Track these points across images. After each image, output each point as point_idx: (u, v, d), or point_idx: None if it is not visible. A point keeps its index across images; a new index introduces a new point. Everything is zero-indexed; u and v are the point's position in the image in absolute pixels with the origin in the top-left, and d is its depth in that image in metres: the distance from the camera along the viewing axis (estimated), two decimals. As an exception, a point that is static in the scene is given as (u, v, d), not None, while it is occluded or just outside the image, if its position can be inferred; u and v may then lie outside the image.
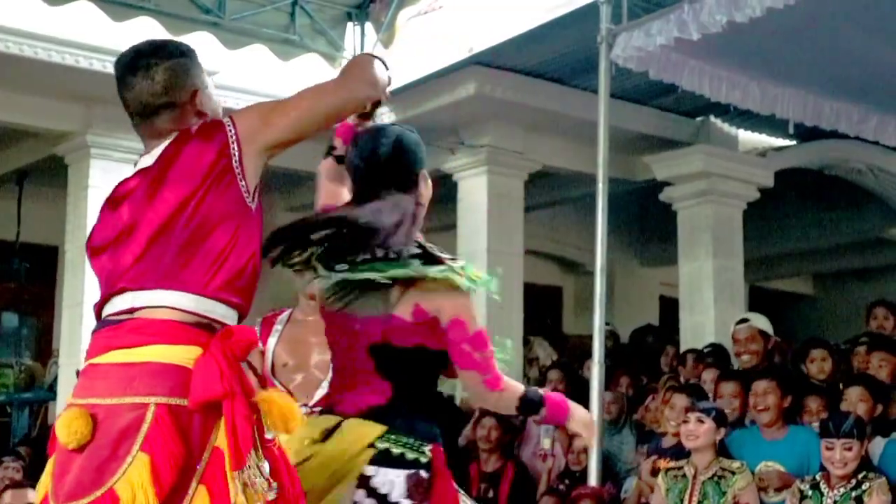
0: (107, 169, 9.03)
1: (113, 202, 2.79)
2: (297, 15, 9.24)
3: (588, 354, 7.45)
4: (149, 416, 2.43)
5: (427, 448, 2.92)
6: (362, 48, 9.53)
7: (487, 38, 8.21)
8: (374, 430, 2.87)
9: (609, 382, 7.73)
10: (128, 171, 9.27)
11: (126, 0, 8.37)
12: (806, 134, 9.78)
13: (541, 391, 3.15)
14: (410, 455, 2.88)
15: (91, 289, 8.90)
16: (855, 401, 6.83)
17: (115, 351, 2.57)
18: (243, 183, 2.65)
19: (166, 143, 2.76)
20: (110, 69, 8.10)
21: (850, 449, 6.05)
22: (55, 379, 9.54)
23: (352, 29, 9.60)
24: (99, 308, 2.73)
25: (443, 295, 2.91)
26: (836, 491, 6.20)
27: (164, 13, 8.54)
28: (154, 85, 2.85)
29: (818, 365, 7.68)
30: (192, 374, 2.49)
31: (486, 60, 8.55)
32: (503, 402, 3.07)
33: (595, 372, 6.88)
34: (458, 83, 8.72)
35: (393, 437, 2.88)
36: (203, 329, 2.60)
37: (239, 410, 2.49)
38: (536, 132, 9.12)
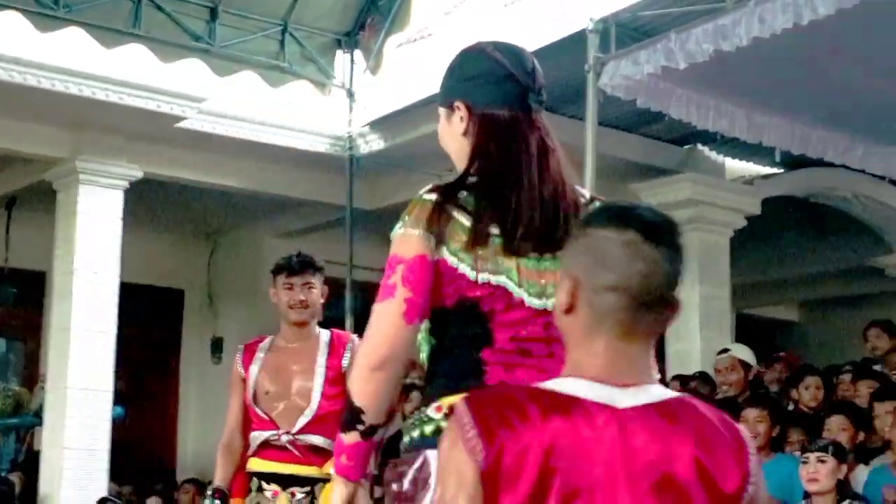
0: (94, 194, 9.05)
1: None
2: (287, 42, 9.25)
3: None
4: None
5: None
6: (352, 75, 9.55)
7: (476, 66, 8.21)
8: None
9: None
10: (115, 196, 9.23)
11: (117, 27, 8.37)
12: (793, 162, 9.81)
13: None
14: None
15: (78, 314, 8.89)
16: (836, 429, 6.83)
17: None
18: None
19: None
20: (100, 96, 8.15)
21: (823, 461, 6.04)
22: (42, 404, 9.49)
23: (341, 56, 9.63)
24: None
25: None
26: (821, 519, 6.18)
27: (154, 40, 8.56)
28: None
29: (812, 392, 7.73)
30: None
31: (475, 88, 8.54)
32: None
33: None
34: (446, 111, 8.71)
35: None
36: None
37: None
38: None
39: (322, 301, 5.04)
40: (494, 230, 2.45)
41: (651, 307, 1.98)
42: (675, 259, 2.00)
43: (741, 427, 2.00)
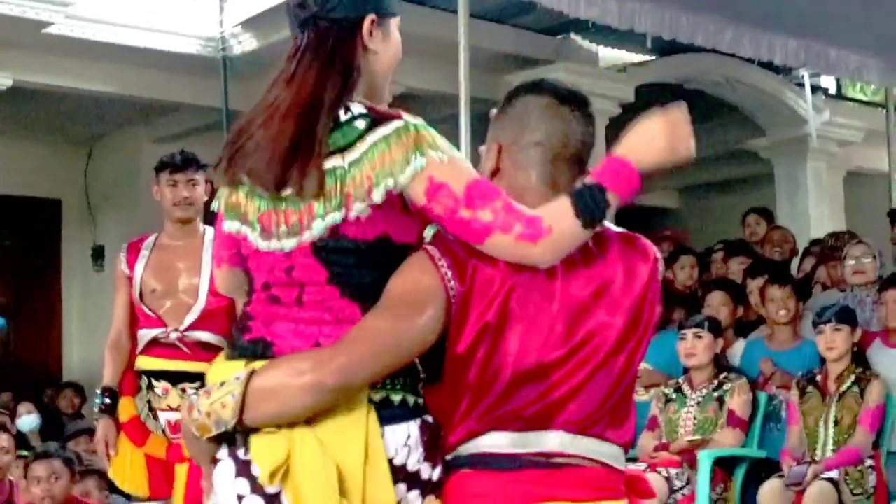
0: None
1: None
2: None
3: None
4: None
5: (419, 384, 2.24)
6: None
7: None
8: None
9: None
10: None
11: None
12: (665, 49, 9.97)
13: (587, 178, 2.25)
14: (413, 399, 2.18)
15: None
16: (717, 305, 7.10)
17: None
18: None
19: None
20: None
21: (700, 337, 6.30)
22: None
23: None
24: None
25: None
26: (698, 392, 6.45)
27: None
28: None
29: (687, 272, 7.99)
30: None
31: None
32: (564, 235, 2.17)
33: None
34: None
35: (386, 379, 2.17)
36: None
37: None
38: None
39: (206, 198, 5.05)
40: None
41: (568, 162, 2.31)
42: (588, 123, 2.35)
43: (647, 242, 2.36)
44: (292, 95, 2.25)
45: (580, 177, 2.29)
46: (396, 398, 2.13)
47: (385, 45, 2.35)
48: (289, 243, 2.17)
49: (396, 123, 2.17)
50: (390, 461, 2.09)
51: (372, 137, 2.16)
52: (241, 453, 2.15)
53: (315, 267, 2.16)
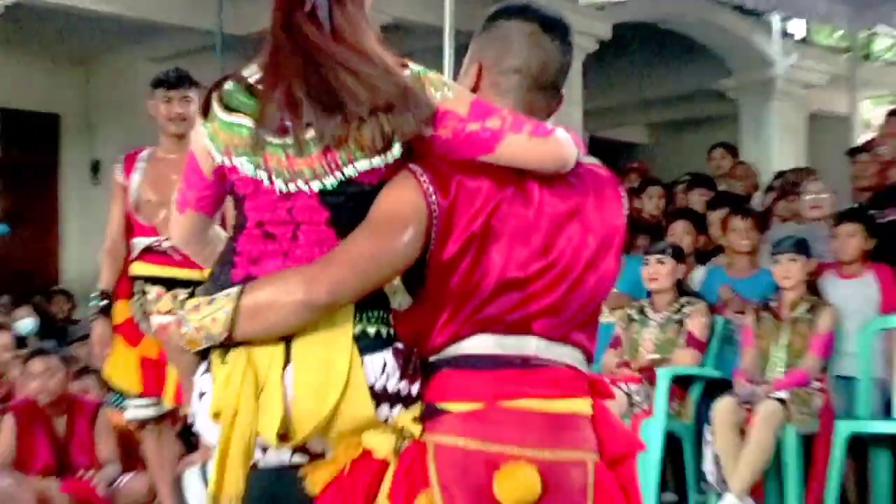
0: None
1: None
2: None
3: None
4: (591, 472, 2.17)
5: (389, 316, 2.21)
6: None
7: None
8: (345, 316, 2.14)
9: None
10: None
11: None
12: (642, -11, 9.98)
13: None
14: (385, 330, 2.16)
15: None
16: (680, 233, 7.15)
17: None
18: None
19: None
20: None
21: (662, 263, 6.36)
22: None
23: None
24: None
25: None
26: (660, 314, 6.51)
27: None
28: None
29: (654, 202, 8.03)
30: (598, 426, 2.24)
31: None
32: (564, 139, 2.20)
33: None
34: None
35: (363, 313, 2.14)
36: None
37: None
38: (388, -14, 9.13)
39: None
40: (246, 122, 2.19)
41: (545, 90, 2.30)
42: (567, 52, 2.32)
43: (613, 176, 2.37)
44: (333, 53, 2.16)
45: (554, 101, 2.32)
46: (372, 330, 2.12)
47: None
48: (315, 185, 2.12)
49: (406, 73, 2.17)
50: (371, 387, 2.08)
51: None
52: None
53: (317, 208, 2.14)
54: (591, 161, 2.36)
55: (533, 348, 2.18)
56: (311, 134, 2.11)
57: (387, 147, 2.10)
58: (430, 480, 2.08)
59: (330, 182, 2.12)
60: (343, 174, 2.12)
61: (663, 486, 6.56)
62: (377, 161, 2.11)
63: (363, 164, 2.11)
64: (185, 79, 5.19)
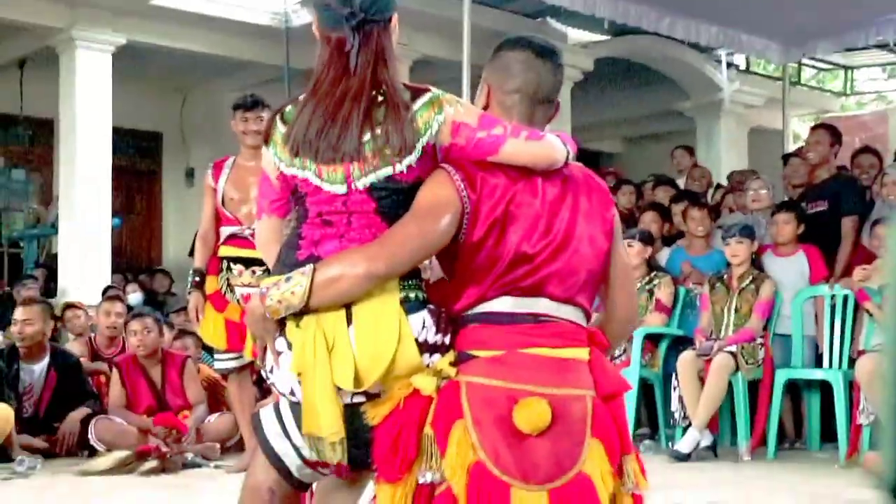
0: (89, 57, 8.83)
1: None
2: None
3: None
4: (589, 405, 2.14)
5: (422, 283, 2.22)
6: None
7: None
8: (392, 285, 2.13)
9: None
10: (106, 59, 9.00)
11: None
12: (618, 30, 9.89)
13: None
14: (421, 295, 2.17)
15: (82, 149, 8.76)
16: (649, 222, 7.10)
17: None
18: None
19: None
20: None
21: (632, 246, 6.31)
22: (56, 218, 9.42)
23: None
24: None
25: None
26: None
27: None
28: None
29: (627, 197, 8.01)
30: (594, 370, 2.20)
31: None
32: (555, 142, 2.21)
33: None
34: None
35: (404, 282, 2.15)
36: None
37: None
38: (418, 29, 9.04)
39: None
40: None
41: (542, 104, 2.29)
42: (558, 72, 2.30)
43: (601, 180, 2.35)
44: (359, 83, 2.16)
45: (551, 111, 2.31)
46: (412, 295, 2.13)
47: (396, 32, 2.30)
48: (361, 183, 2.14)
49: (429, 95, 2.18)
50: (415, 340, 2.10)
51: (414, 107, 2.15)
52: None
53: (366, 201, 2.15)
54: (587, 170, 2.34)
55: (543, 308, 2.16)
56: (316, 144, 2.16)
57: (406, 156, 2.14)
58: (463, 412, 2.07)
59: (372, 180, 2.14)
60: (379, 176, 2.14)
61: (639, 423, 6.53)
62: (398, 167, 2.14)
63: (386, 171, 2.14)
64: (257, 102, 5.20)
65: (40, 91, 9.94)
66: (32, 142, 11.11)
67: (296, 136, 2.18)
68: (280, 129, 2.22)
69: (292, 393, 2.19)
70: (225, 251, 5.09)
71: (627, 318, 2.40)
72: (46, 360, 6.18)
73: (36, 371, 6.15)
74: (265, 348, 2.21)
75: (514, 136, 2.15)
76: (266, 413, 2.30)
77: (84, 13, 8.68)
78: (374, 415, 2.11)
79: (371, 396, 2.14)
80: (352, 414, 2.13)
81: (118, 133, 9.34)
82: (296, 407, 2.18)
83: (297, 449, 2.21)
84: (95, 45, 8.84)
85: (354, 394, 2.13)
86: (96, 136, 8.85)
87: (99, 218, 8.86)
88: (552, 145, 2.19)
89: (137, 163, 11.79)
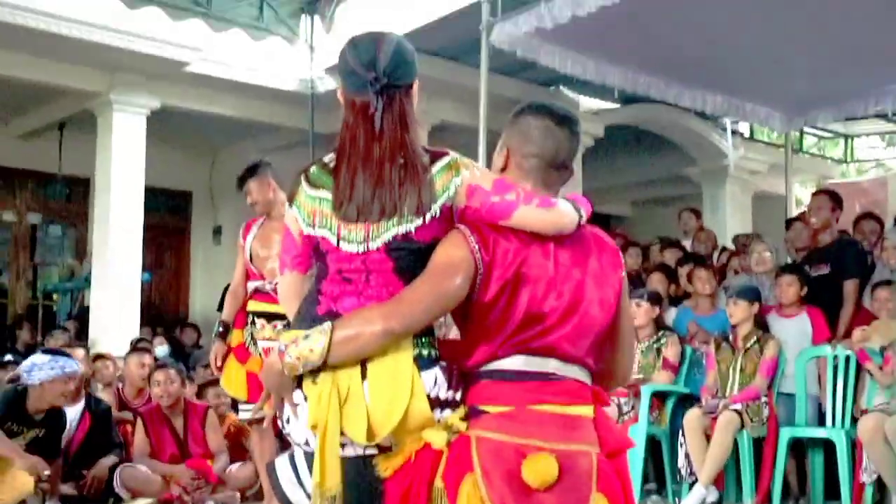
0: (124, 119, 8.96)
1: None
2: (265, 8, 9.14)
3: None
4: (594, 461, 2.12)
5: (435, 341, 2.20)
6: (312, 33, 9.47)
7: (400, 26, 8.19)
8: (406, 342, 2.11)
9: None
10: (140, 121, 9.05)
11: (138, -6, 8.22)
12: (627, 99, 9.94)
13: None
14: (433, 352, 2.16)
15: (115, 207, 8.83)
16: (656, 282, 7.07)
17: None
18: None
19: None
20: (127, 45, 7.90)
21: (640, 305, 6.27)
22: (89, 272, 9.47)
23: (305, 19, 9.51)
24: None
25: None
26: (642, 344, 6.42)
27: (167, 4, 8.40)
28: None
29: (634, 259, 7.98)
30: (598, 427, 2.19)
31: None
32: (566, 210, 2.20)
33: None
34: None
35: (417, 339, 2.13)
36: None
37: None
38: (436, 96, 9.13)
39: (271, 193, 5.11)
40: (326, 195, 2.20)
41: (558, 169, 2.27)
42: (574, 140, 2.28)
43: (612, 241, 2.34)
44: (384, 148, 2.17)
45: (566, 174, 2.29)
46: (425, 352, 2.12)
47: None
48: (375, 244, 2.15)
49: (447, 158, 2.19)
50: (427, 396, 2.07)
51: (433, 169, 2.16)
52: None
53: (384, 259, 2.14)
54: (598, 230, 2.34)
55: (552, 367, 2.15)
56: (370, 206, 2.15)
57: (420, 216, 2.13)
58: (473, 465, 2.05)
59: (386, 239, 2.14)
60: (394, 236, 2.14)
61: (646, 479, 6.45)
62: (411, 226, 2.13)
63: (401, 229, 2.13)
64: (242, 179, 5.22)
65: (78, 151, 10.08)
66: (69, 198, 11.25)
67: (354, 199, 2.16)
68: (306, 189, 2.21)
69: (307, 443, 2.18)
70: (251, 306, 5.10)
71: (625, 377, 2.40)
72: (82, 403, 6.19)
73: (70, 413, 6.14)
74: (282, 400, 2.20)
75: (525, 203, 2.15)
76: (281, 461, 2.30)
77: (121, 78, 8.82)
78: (386, 467, 2.09)
79: (383, 449, 2.12)
80: (364, 466, 2.11)
81: (150, 191, 9.42)
82: (310, 457, 2.17)
83: (309, 497, 2.20)
84: (131, 108, 8.97)
85: (367, 446, 2.11)
86: (130, 194, 8.95)
87: (130, 272, 8.91)
88: (561, 213, 2.18)
89: (168, 220, 11.88)
